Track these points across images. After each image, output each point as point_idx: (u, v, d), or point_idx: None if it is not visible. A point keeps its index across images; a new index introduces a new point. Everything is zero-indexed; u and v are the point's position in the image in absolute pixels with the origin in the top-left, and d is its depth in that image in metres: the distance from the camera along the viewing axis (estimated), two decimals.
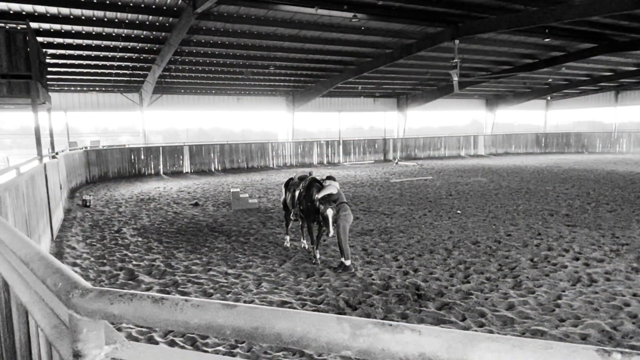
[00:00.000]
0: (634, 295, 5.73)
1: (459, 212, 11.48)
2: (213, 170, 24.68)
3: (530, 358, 0.76)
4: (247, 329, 0.98)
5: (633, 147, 33.29)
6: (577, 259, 7.30)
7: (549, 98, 37.95)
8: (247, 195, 12.96)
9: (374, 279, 6.46)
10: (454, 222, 10.31)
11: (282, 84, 26.25)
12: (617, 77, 28.60)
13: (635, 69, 26.83)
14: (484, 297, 5.76)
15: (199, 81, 23.90)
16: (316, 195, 6.96)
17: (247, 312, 1.00)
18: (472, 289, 6.03)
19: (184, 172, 23.81)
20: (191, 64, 20.60)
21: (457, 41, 17.25)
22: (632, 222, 9.98)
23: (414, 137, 32.75)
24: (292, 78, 25.12)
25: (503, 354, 0.78)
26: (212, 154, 24.76)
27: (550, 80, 30.41)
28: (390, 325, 0.87)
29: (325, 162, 28.57)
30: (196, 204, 13.35)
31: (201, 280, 6.51)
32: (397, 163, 27.95)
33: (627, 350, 0.72)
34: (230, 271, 6.93)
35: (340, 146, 29.22)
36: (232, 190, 12.95)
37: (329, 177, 7.37)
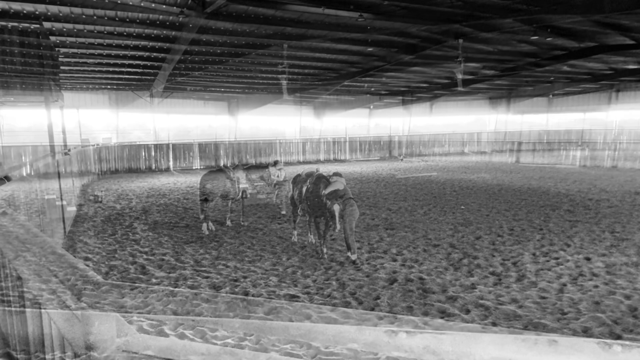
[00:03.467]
0: (635, 289, 5.74)
1: (462, 207, 11.44)
2: (222, 166, 24.80)
3: (532, 351, 0.77)
4: (255, 322, 1.00)
5: (633, 145, 33.15)
6: (579, 254, 7.31)
7: (550, 96, 37.81)
8: (255, 191, 13.01)
9: (379, 273, 6.49)
10: (458, 217, 10.29)
11: (289, 82, 26.23)
12: (617, 76, 28.38)
13: (635, 67, 26.58)
14: (487, 290, 5.77)
15: (208, 80, 23.97)
16: (323, 191, 6.99)
17: (262, 304, 1.02)
18: (476, 283, 6.04)
19: (194, 168, 23.95)
20: (200, 63, 20.67)
21: (461, 40, 17.25)
22: (632, 218, 9.97)
23: (418, 134, 32.63)
24: (299, 76, 25.10)
25: (506, 347, 0.79)
26: (221, 151, 24.88)
27: (552, 78, 30.29)
28: (396, 318, 0.89)
29: (332, 159, 28.56)
30: (206, 200, 13.39)
31: (210, 274, 6.57)
32: (402, 160, 27.85)
33: (627, 342, 0.72)
34: (239, 265, 6.99)
35: (347, 143, 29.17)
36: (241, 186, 12.99)
37: (336, 174, 7.39)
